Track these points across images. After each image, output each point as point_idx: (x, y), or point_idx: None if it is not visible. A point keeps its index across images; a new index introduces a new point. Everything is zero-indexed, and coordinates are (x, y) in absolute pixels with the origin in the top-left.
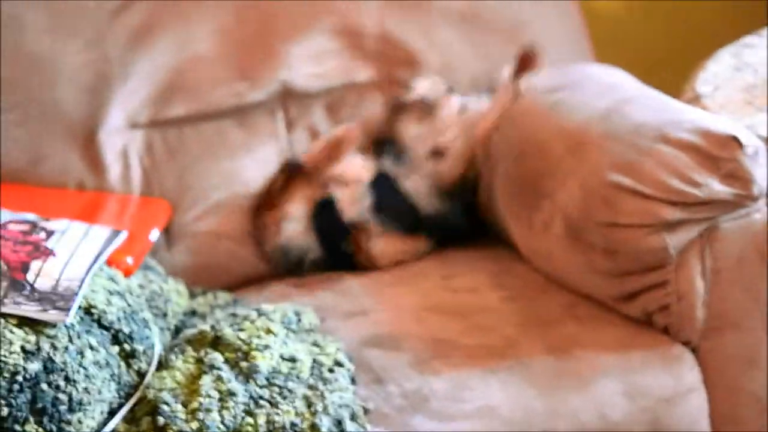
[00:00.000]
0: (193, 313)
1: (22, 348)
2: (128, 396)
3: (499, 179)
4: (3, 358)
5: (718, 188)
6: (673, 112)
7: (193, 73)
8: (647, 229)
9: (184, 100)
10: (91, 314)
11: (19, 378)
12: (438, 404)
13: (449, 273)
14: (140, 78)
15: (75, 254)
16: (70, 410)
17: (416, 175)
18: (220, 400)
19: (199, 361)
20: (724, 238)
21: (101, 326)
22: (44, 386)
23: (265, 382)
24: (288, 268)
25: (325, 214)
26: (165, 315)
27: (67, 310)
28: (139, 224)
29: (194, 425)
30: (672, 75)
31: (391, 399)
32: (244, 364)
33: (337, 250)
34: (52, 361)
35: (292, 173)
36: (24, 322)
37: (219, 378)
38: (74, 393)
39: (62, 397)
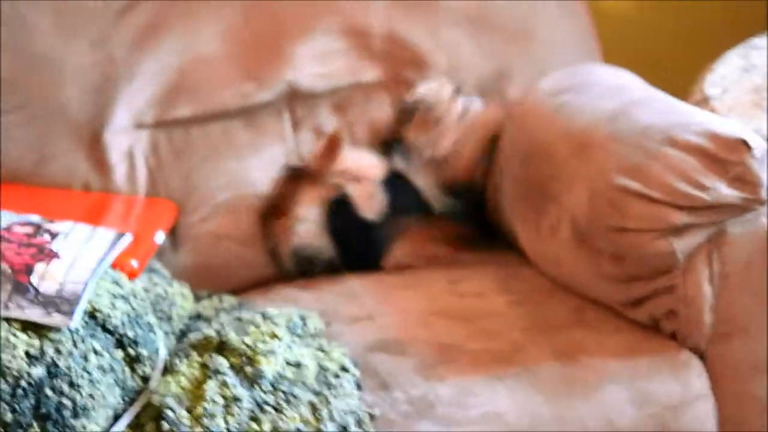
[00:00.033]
0: (198, 316)
1: (26, 353)
2: (132, 401)
3: (506, 182)
4: (7, 363)
5: (726, 192)
6: (680, 115)
7: (199, 74)
8: (655, 234)
9: (189, 101)
10: (96, 318)
11: (23, 383)
12: (444, 410)
13: (456, 277)
14: (146, 78)
15: (79, 257)
16: (75, 415)
17: (424, 174)
18: (225, 405)
19: (204, 366)
20: (732, 242)
21: (106, 330)
22: (48, 391)
23: (270, 388)
24: (301, 271)
25: (340, 212)
26: (170, 319)
27: (71, 314)
28: (145, 226)
29: (199, 431)
30: (680, 76)
31: (397, 405)
32: (249, 369)
33: (352, 248)
34: (56, 366)
35: (294, 177)
36: (28, 326)
37: (224, 383)
38: (78, 398)
39: (66, 402)
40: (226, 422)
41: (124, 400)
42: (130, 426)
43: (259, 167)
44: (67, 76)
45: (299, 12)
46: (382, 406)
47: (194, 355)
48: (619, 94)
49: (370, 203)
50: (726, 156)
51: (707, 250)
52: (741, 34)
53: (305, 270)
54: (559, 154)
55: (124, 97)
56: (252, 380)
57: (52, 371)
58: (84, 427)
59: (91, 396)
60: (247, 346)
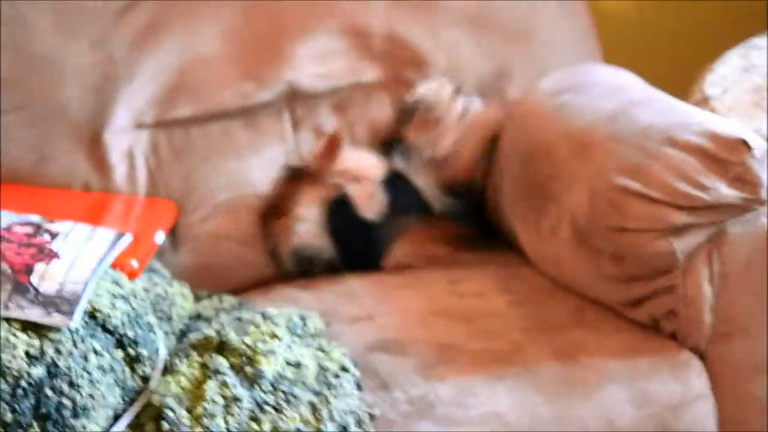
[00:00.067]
0: (198, 316)
1: (26, 353)
2: (133, 401)
3: (506, 182)
4: (7, 363)
5: (726, 192)
6: (680, 115)
7: (199, 74)
8: (655, 234)
9: (189, 101)
10: (96, 318)
11: (23, 383)
12: (444, 410)
13: (456, 277)
14: (146, 78)
15: (79, 257)
16: (74, 415)
17: (424, 174)
18: (225, 405)
19: (204, 366)
20: (732, 242)
21: (106, 330)
22: (48, 391)
23: (270, 388)
24: (301, 271)
25: (340, 212)
26: (170, 319)
27: (71, 314)
28: (145, 226)
29: (199, 431)
30: (680, 76)
31: (397, 405)
32: (249, 369)
33: (352, 248)
34: (56, 366)
35: (295, 177)
36: (28, 326)
37: (224, 383)
38: (78, 398)
39: (66, 402)
40: (226, 422)
41: (124, 400)
42: (130, 426)
43: (259, 167)
44: (67, 76)
45: (299, 12)
46: (382, 406)
47: (194, 355)
48: (619, 94)
49: (370, 203)
50: (726, 156)
51: (707, 250)
52: (741, 33)
53: (305, 270)
54: (560, 154)
55: (124, 97)
56: (252, 380)
57: (52, 371)
58: (84, 427)
59: (91, 396)
60: (247, 346)
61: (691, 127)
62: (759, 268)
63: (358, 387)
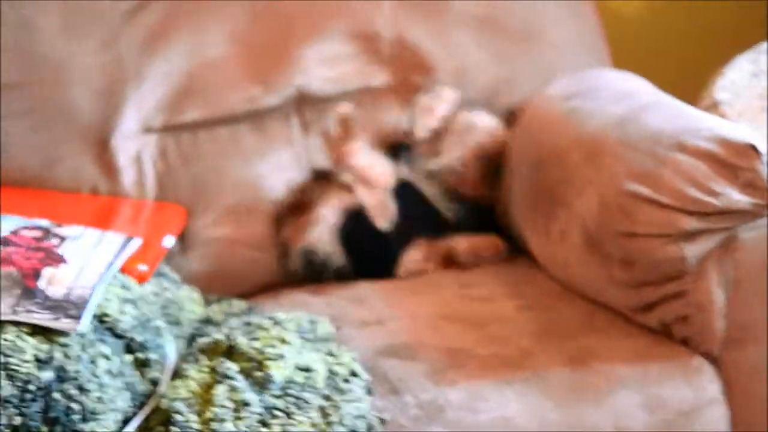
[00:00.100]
0: (207, 321)
1: (35, 357)
2: (142, 405)
3: (516, 186)
4: (15, 367)
5: (736, 198)
6: (690, 120)
7: (208, 77)
8: (665, 239)
9: (198, 105)
10: (104, 322)
11: (32, 387)
12: (453, 415)
13: (466, 281)
14: (154, 81)
15: (88, 261)
16: (83, 420)
17: (429, 183)
18: (234, 410)
19: (213, 370)
20: (743, 248)
21: (114, 335)
22: (57, 395)
23: (279, 392)
24: (308, 273)
25: (355, 221)
26: (179, 323)
27: (79, 318)
28: (154, 230)
29: None
30: (690, 79)
31: (407, 410)
32: (258, 373)
33: (365, 257)
34: (65, 370)
35: (320, 178)
36: (37, 330)
37: (233, 388)
38: (87, 402)
39: (75, 406)
40: (236, 427)
41: (133, 404)
42: (139, 430)
43: (268, 171)
44: (74, 79)
45: (308, 15)
46: (392, 410)
47: (203, 359)
48: (628, 99)
49: (383, 212)
50: (736, 162)
51: (719, 255)
52: (754, 35)
53: (313, 274)
54: (571, 159)
55: (133, 101)
56: (261, 385)
57: (61, 375)
58: (93, 431)
59: (99, 400)
60: (257, 350)
61: (701, 132)
62: None
63: (369, 392)
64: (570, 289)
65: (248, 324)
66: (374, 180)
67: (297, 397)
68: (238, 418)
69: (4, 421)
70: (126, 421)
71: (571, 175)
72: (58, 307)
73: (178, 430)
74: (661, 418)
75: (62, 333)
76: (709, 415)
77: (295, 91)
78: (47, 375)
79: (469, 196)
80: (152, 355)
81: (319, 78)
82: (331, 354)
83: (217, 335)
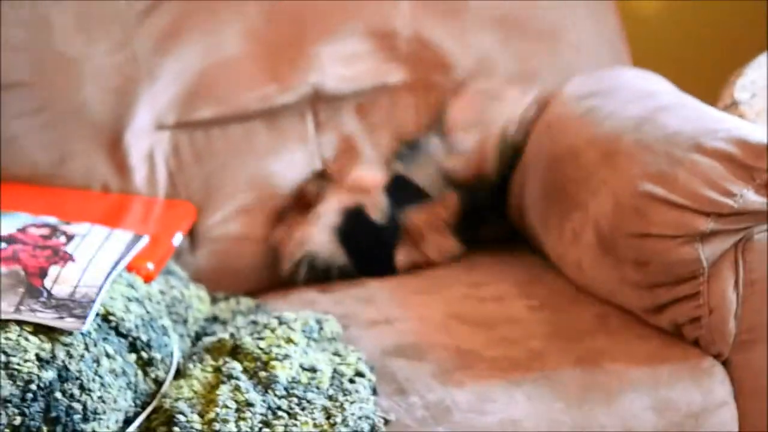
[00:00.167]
0: (214, 319)
1: (37, 356)
2: (144, 405)
3: (531, 185)
4: (17, 366)
5: (753, 199)
6: (707, 121)
7: (222, 75)
8: (679, 240)
9: (211, 102)
10: (109, 322)
11: (33, 386)
12: (460, 416)
13: (476, 281)
14: (168, 79)
15: (94, 260)
16: (85, 419)
17: (428, 168)
18: (237, 410)
19: (217, 370)
20: (758, 249)
21: (119, 334)
22: (58, 395)
23: (283, 393)
24: (314, 278)
25: (354, 220)
26: (185, 321)
27: (83, 317)
28: (163, 228)
29: None
30: (712, 78)
31: (413, 410)
32: (262, 373)
33: (363, 252)
34: (67, 370)
35: (322, 177)
36: (40, 329)
37: (237, 388)
38: (89, 402)
39: (76, 406)
40: (239, 428)
41: (136, 403)
42: (140, 430)
43: (281, 170)
44: (87, 77)
45: (323, 13)
46: (398, 411)
47: (208, 358)
48: (646, 99)
49: (378, 209)
50: (753, 163)
51: (733, 256)
52: None
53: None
54: (587, 159)
55: (146, 98)
56: (266, 385)
57: (63, 375)
58: (94, 431)
59: (101, 400)
60: (262, 350)
61: (718, 133)
62: None
63: (374, 392)
64: (582, 289)
65: (254, 323)
66: (368, 185)
67: (301, 398)
68: (241, 419)
69: (4, 420)
70: (128, 421)
71: (586, 174)
72: (63, 306)
73: (180, 430)
74: (670, 420)
75: (65, 332)
76: (719, 417)
77: (310, 89)
78: (49, 374)
79: (468, 178)
80: (156, 355)
81: (335, 76)
82: (337, 354)
83: (223, 334)
